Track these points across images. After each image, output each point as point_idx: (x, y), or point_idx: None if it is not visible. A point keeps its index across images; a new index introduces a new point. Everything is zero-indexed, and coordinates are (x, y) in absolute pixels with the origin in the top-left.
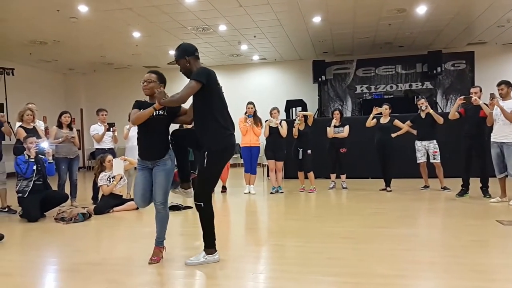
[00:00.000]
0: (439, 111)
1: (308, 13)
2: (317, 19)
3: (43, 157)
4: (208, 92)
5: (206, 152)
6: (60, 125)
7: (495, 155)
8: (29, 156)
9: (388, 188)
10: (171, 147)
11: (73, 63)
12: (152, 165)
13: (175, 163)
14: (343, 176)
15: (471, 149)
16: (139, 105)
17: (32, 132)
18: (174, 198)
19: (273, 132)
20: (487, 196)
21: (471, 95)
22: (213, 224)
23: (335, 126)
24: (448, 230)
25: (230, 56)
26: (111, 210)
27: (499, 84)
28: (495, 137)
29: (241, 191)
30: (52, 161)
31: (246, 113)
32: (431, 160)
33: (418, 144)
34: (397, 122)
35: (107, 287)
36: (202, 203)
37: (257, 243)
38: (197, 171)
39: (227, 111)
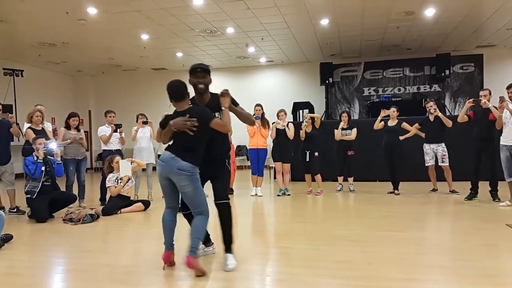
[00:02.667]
0: (448, 114)
1: (316, 16)
2: (324, 22)
3: (51, 158)
4: None
5: (223, 156)
6: (68, 127)
7: (505, 158)
8: (37, 157)
9: (396, 191)
10: None
11: (81, 65)
12: None
13: None
14: (351, 179)
15: (480, 152)
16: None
17: (41, 133)
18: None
19: (280, 134)
20: (496, 200)
21: (480, 98)
22: None
23: (342, 129)
24: (457, 234)
25: (238, 58)
26: (119, 211)
27: (508, 87)
28: (504, 140)
29: (248, 193)
30: (60, 162)
31: (254, 115)
32: (440, 163)
33: (427, 147)
34: (405, 125)
35: None
36: (228, 200)
37: (264, 246)
38: (216, 174)
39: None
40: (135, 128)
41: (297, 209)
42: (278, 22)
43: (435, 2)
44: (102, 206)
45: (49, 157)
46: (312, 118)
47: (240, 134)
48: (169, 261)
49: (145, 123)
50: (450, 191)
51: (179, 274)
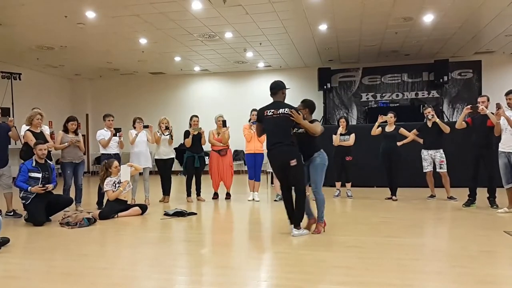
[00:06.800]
0: (446, 120)
1: (315, 21)
2: (323, 27)
3: (51, 163)
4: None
5: None
6: (66, 130)
7: (503, 165)
8: (36, 162)
9: (394, 197)
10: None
11: (79, 68)
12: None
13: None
14: (349, 184)
15: (478, 159)
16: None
17: (40, 136)
18: (178, 204)
19: None
20: (494, 207)
21: (478, 104)
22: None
23: (341, 134)
24: (455, 240)
25: (236, 63)
26: (116, 215)
27: (507, 94)
28: (503, 147)
29: (245, 198)
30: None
31: (250, 120)
32: (438, 170)
33: (425, 153)
34: (402, 131)
35: None
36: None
37: (261, 251)
38: None
39: (269, 133)
40: (135, 132)
41: None
42: (276, 27)
43: (433, 8)
44: (99, 210)
45: (49, 162)
46: None
47: (237, 139)
48: None
49: (145, 127)
50: (448, 198)
51: (177, 278)
